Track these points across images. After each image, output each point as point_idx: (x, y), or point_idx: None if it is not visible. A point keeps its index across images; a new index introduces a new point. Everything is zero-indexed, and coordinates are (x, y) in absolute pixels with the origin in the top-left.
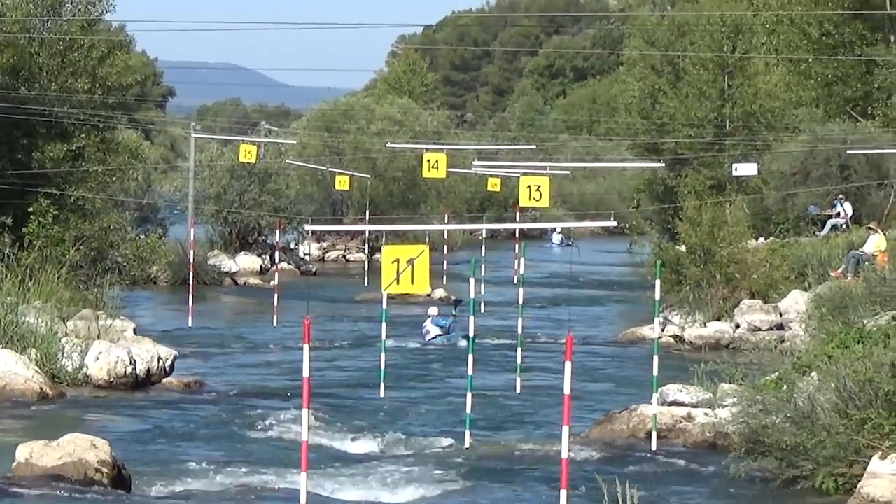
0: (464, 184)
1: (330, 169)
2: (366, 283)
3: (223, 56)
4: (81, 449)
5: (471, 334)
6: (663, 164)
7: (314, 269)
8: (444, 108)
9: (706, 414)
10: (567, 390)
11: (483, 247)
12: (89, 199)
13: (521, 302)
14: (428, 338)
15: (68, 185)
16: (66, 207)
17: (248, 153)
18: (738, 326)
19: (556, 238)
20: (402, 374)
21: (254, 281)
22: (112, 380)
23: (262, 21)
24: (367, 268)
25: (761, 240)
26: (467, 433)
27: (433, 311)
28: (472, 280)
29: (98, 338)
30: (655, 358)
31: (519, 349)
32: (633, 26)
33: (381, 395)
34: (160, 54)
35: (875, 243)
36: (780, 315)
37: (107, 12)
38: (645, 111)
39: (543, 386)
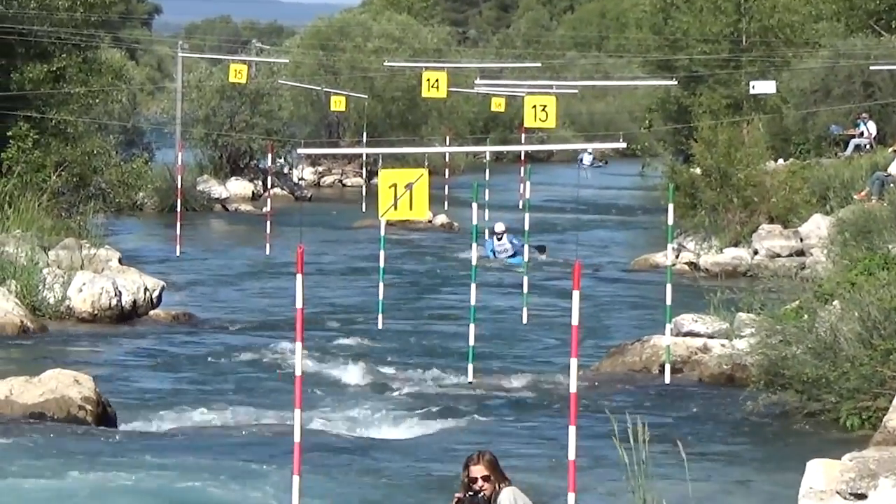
0: (466, 104)
1: (325, 89)
2: (363, 210)
3: None
4: (64, 385)
5: (473, 262)
6: (676, 83)
7: (309, 195)
8: (444, 25)
9: (723, 345)
10: (575, 321)
11: (487, 170)
12: (71, 123)
13: (526, 228)
14: (503, 256)
15: (49, 108)
16: (47, 131)
17: (238, 73)
18: (756, 253)
19: (587, 159)
20: (402, 303)
21: (245, 207)
22: (96, 312)
23: None
24: (364, 193)
25: (780, 161)
26: (470, 366)
27: (500, 227)
28: (474, 205)
29: (81, 268)
30: (669, 286)
31: (525, 277)
32: None
33: (380, 326)
34: None
35: None
36: (801, 240)
37: None
38: (657, 26)
39: (551, 316)
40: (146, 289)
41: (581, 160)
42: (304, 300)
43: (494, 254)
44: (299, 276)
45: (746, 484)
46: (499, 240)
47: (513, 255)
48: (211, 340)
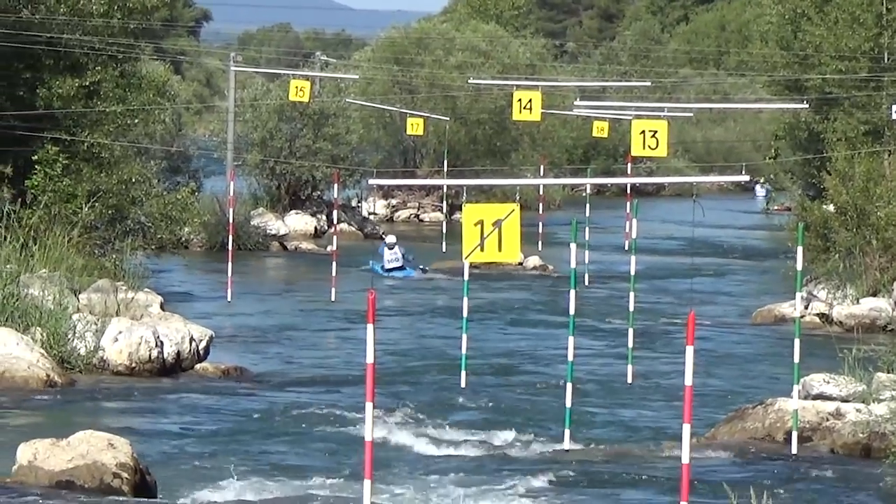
0: (563, 128)
1: (400, 110)
2: (444, 249)
3: None
4: (97, 449)
5: (571, 311)
6: (807, 106)
7: (381, 232)
8: (538, 36)
9: (859, 410)
10: (688, 381)
11: (587, 205)
12: (106, 146)
13: (632, 273)
14: (392, 266)
15: (81, 129)
16: (79, 156)
17: (299, 90)
18: None
19: (761, 190)
20: (488, 358)
21: (307, 245)
22: (134, 365)
23: None
24: (445, 230)
25: None
26: (566, 432)
27: (392, 238)
28: (573, 246)
29: (117, 314)
30: (797, 341)
31: (630, 331)
32: None
33: (463, 384)
34: None
35: None
36: None
37: None
38: (785, 40)
39: (660, 374)
40: (192, 339)
41: (755, 191)
42: (376, 354)
43: (383, 268)
44: (370, 326)
45: None
46: (390, 249)
47: (401, 268)
48: (266, 399)
